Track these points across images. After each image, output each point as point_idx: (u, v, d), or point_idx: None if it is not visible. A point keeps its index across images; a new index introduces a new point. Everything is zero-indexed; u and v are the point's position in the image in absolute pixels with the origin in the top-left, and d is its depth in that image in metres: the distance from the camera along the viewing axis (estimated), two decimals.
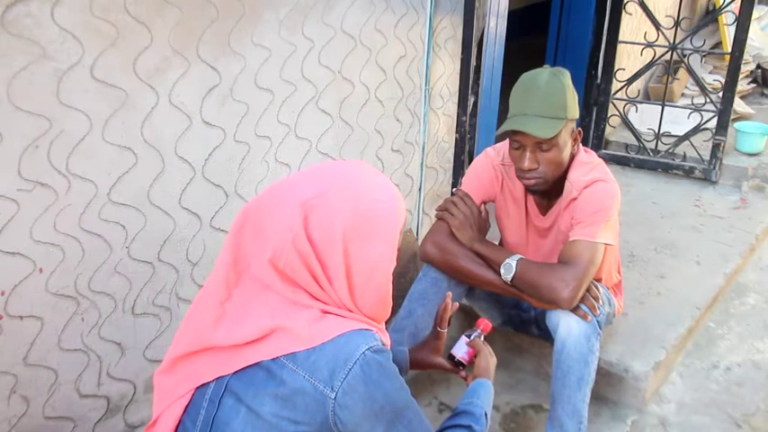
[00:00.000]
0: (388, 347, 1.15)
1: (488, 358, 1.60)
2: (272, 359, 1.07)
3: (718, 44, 4.46)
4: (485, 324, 1.68)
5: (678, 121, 3.60)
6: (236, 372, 1.10)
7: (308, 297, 1.10)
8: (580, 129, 1.82)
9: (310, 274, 1.08)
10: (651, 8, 3.47)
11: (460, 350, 1.65)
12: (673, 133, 3.59)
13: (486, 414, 1.41)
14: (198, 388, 1.13)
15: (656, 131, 3.58)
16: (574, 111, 1.74)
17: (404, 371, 1.65)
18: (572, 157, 1.82)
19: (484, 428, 1.37)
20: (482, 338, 1.66)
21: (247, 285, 1.12)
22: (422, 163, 2.60)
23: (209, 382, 1.12)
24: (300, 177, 1.15)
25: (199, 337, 1.12)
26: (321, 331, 1.07)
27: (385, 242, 1.13)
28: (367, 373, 1.07)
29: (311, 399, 1.06)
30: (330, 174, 1.15)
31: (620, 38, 3.54)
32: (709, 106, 3.41)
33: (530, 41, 4.63)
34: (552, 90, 1.69)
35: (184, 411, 1.14)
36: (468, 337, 1.66)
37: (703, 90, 3.48)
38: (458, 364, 1.66)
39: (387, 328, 1.58)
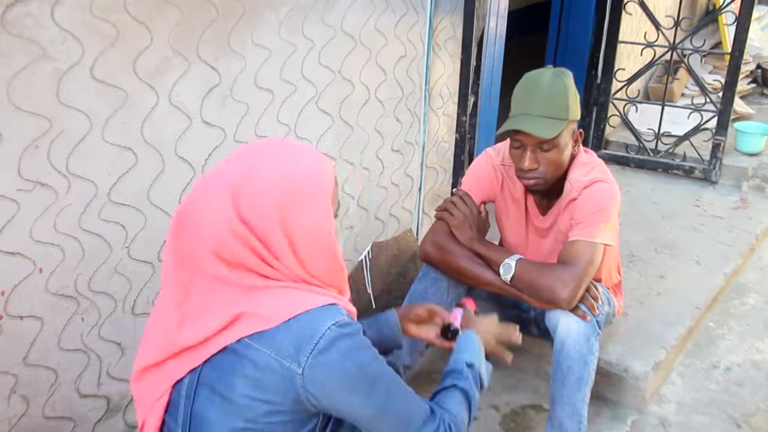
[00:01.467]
0: (355, 318, 1.14)
1: (475, 318, 1.58)
2: (238, 341, 1.07)
3: (718, 44, 4.46)
4: (470, 302, 1.66)
5: (678, 121, 3.60)
6: (205, 361, 1.09)
7: (261, 278, 1.09)
8: (581, 131, 1.82)
9: (255, 254, 1.07)
10: (651, 8, 3.47)
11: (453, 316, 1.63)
12: (673, 133, 3.59)
13: (469, 365, 1.38)
14: (174, 386, 1.13)
15: (656, 131, 3.58)
16: (576, 112, 1.74)
17: (396, 335, 1.58)
18: (572, 158, 1.82)
19: (470, 381, 1.35)
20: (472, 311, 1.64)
21: (202, 283, 1.11)
22: (422, 163, 2.60)
23: (182, 378, 1.12)
24: (223, 164, 1.13)
25: (166, 344, 1.12)
26: (285, 308, 1.07)
27: (319, 203, 1.11)
28: (335, 346, 1.06)
29: (279, 377, 1.05)
30: (251, 152, 1.13)
31: (620, 38, 3.54)
32: (710, 106, 3.41)
33: (530, 41, 4.63)
34: (555, 91, 1.69)
35: (166, 411, 1.14)
36: (460, 307, 1.64)
37: (703, 90, 3.48)
38: (454, 334, 1.61)
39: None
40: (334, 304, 1.10)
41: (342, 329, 1.07)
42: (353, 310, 1.17)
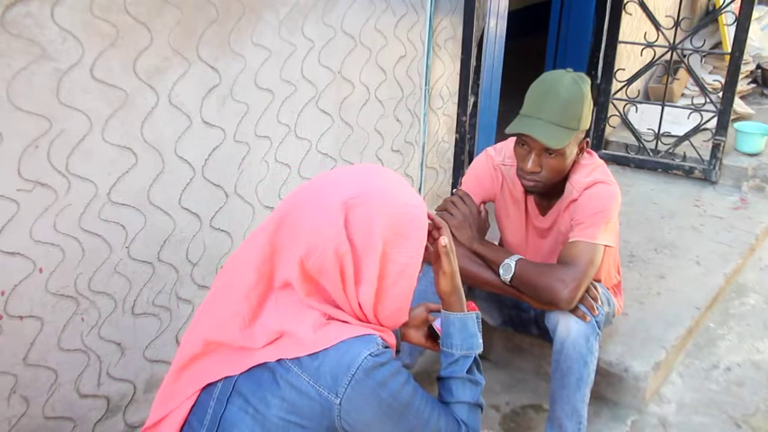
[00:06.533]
0: (393, 347, 1.15)
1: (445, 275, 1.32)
2: (278, 361, 1.09)
3: (718, 44, 4.46)
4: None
5: (678, 121, 3.60)
6: (243, 372, 1.11)
7: (321, 299, 1.11)
8: (588, 139, 1.81)
9: (340, 274, 1.08)
10: (651, 8, 3.47)
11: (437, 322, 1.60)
12: (673, 133, 3.59)
13: (464, 356, 1.30)
14: (204, 388, 1.14)
15: (656, 131, 3.58)
16: (587, 122, 1.74)
17: (396, 343, 1.56)
18: (574, 160, 1.82)
19: (476, 391, 1.30)
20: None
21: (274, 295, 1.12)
22: (422, 163, 2.60)
23: (216, 382, 1.13)
24: (336, 175, 1.15)
25: (219, 331, 1.13)
26: (325, 336, 1.08)
27: (415, 246, 1.13)
28: (371, 377, 1.08)
29: (317, 404, 1.08)
30: (366, 175, 1.15)
31: (620, 38, 3.54)
32: (710, 106, 3.41)
33: (530, 41, 4.63)
34: (571, 98, 1.68)
35: (190, 411, 1.15)
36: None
37: (703, 90, 3.48)
38: (435, 337, 1.58)
39: None
40: (369, 334, 1.11)
41: (377, 359, 1.09)
42: (393, 341, 1.17)
